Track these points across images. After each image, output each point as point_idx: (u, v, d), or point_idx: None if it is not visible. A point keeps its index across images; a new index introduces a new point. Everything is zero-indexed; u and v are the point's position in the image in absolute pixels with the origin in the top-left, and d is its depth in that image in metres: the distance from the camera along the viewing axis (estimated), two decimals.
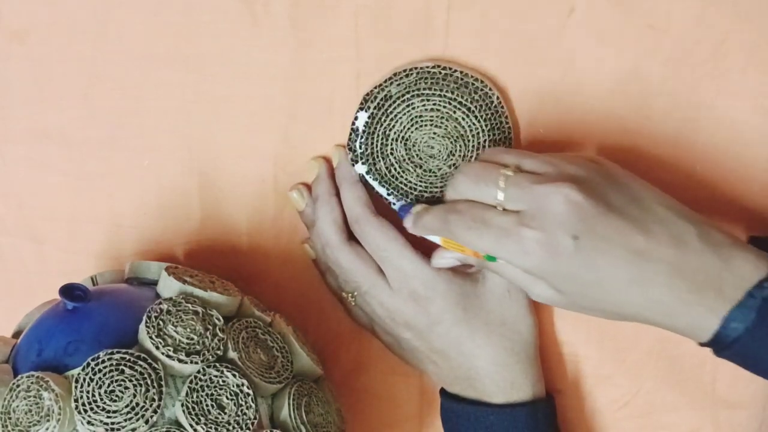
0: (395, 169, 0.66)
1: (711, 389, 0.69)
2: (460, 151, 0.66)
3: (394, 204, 0.67)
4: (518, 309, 0.65)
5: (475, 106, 0.65)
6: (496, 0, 0.65)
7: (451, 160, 0.66)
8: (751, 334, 0.53)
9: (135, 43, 0.67)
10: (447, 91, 0.65)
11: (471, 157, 0.65)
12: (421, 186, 0.66)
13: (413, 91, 0.65)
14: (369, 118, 0.66)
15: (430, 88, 0.65)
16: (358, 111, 0.66)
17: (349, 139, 0.66)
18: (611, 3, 0.64)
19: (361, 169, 0.66)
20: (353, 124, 0.66)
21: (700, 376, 0.69)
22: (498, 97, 0.65)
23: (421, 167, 0.66)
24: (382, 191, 0.66)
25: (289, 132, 0.68)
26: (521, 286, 0.58)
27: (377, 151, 0.66)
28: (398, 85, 0.65)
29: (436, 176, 0.66)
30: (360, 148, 0.66)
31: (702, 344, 0.56)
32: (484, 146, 0.65)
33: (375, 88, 0.65)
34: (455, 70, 0.65)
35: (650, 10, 0.64)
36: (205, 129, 0.68)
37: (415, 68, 0.65)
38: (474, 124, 0.65)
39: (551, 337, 0.69)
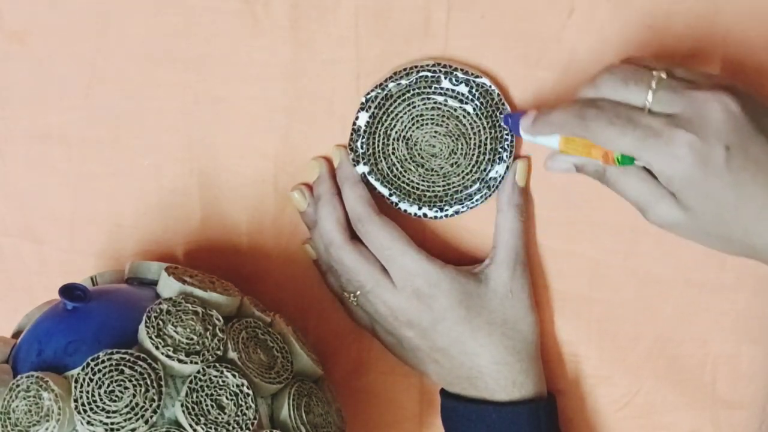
0: (397, 168, 0.66)
1: (711, 389, 0.69)
2: (461, 149, 0.66)
3: (396, 204, 0.67)
4: (520, 309, 0.65)
5: (476, 104, 0.65)
6: (496, 0, 0.65)
7: (453, 158, 0.66)
8: None
9: (135, 43, 0.67)
10: (448, 90, 0.65)
11: (473, 155, 0.66)
12: (423, 185, 0.66)
13: (414, 90, 0.65)
14: (370, 117, 0.66)
15: (430, 87, 0.65)
16: (358, 111, 0.66)
17: (351, 139, 0.66)
18: (611, 3, 0.64)
19: (362, 169, 0.66)
20: (354, 124, 0.66)
21: (700, 376, 0.69)
22: (499, 94, 0.65)
23: (422, 166, 0.66)
24: (384, 191, 0.66)
25: (289, 132, 0.68)
26: (642, 203, 0.56)
27: (379, 151, 0.66)
28: (398, 84, 0.65)
29: (438, 175, 0.66)
30: (361, 148, 0.66)
31: None
32: (485, 144, 0.65)
33: (375, 87, 0.65)
34: (455, 68, 0.65)
35: (650, 10, 0.64)
36: (205, 129, 0.68)
37: (416, 67, 0.65)
38: (475, 122, 0.65)
39: (551, 337, 0.70)
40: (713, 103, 0.53)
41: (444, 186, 0.66)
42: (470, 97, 0.65)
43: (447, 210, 0.67)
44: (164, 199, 0.70)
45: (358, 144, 0.66)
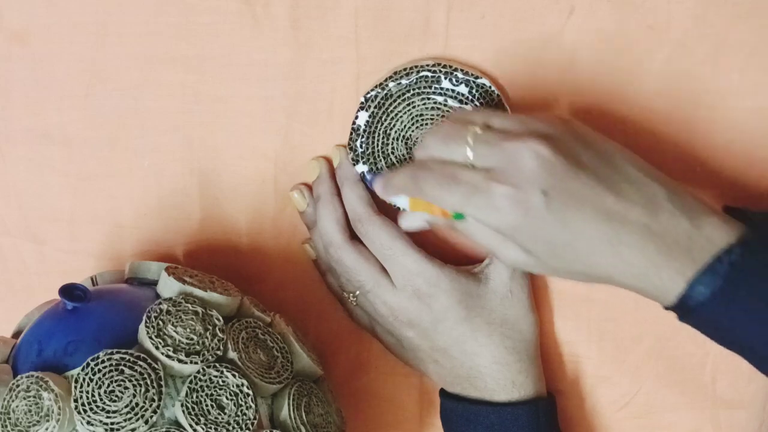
0: (396, 168, 0.66)
1: (711, 389, 0.69)
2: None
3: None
4: (520, 309, 0.65)
5: (476, 105, 0.65)
6: (496, 0, 0.65)
7: None
8: (716, 300, 0.52)
9: (135, 43, 0.67)
10: (448, 90, 0.65)
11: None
12: None
13: (414, 90, 0.65)
14: (370, 117, 0.66)
15: (430, 87, 0.65)
16: (358, 110, 0.66)
17: (350, 139, 0.66)
18: (611, 3, 0.64)
19: (361, 168, 0.66)
20: (354, 123, 0.66)
21: (700, 376, 0.69)
22: (499, 95, 0.65)
23: None
24: None
25: (289, 132, 0.68)
26: (491, 248, 0.57)
27: (378, 151, 0.66)
28: (398, 84, 0.65)
29: None
30: (361, 147, 0.66)
31: (667, 308, 0.55)
32: None
33: (375, 87, 0.65)
34: (456, 68, 0.65)
35: (650, 10, 0.64)
36: (205, 129, 0.68)
37: (416, 67, 0.65)
38: None
39: (551, 337, 0.70)
40: (524, 152, 0.54)
41: None
42: (470, 97, 0.65)
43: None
44: (164, 199, 0.70)
45: (358, 143, 0.66)
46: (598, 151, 0.55)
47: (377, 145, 0.66)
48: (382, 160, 0.66)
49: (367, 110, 0.66)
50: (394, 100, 0.65)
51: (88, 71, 0.68)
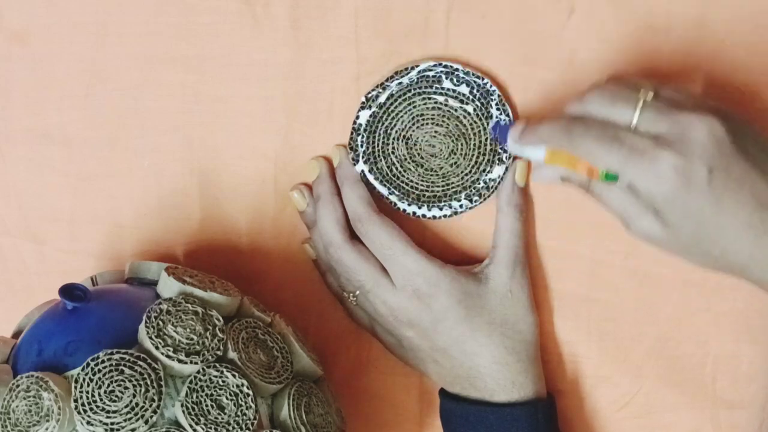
0: (396, 168, 0.66)
1: (711, 389, 0.69)
2: (461, 149, 0.66)
3: (395, 204, 0.67)
4: (520, 309, 0.65)
5: (477, 105, 0.65)
6: (496, 0, 0.65)
7: (453, 158, 0.66)
8: None
9: (135, 43, 0.67)
10: (449, 90, 0.65)
11: (472, 155, 0.66)
12: (422, 185, 0.66)
13: (415, 89, 0.65)
14: (370, 117, 0.66)
15: (431, 86, 0.65)
16: (359, 110, 0.66)
17: (351, 139, 0.66)
18: (611, 3, 0.64)
19: (362, 167, 0.66)
20: (354, 123, 0.66)
21: (700, 376, 0.69)
22: (500, 95, 0.65)
23: (422, 166, 0.66)
24: (384, 191, 0.66)
25: (289, 132, 0.68)
26: (623, 216, 0.57)
27: (378, 151, 0.66)
28: (399, 83, 0.65)
29: (437, 175, 0.66)
30: (361, 147, 0.66)
31: None
32: (485, 145, 0.65)
33: (376, 87, 0.65)
34: (456, 68, 0.65)
35: (650, 10, 0.64)
36: (205, 129, 0.68)
37: (417, 66, 0.65)
38: (475, 122, 0.65)
39: (551, 337, 0.70)
40: (698, 125, 0.54)
41: (443, 186, 0.66)
42: (471, 97, 0.65)
43: (446, 210, 0.67)
44: (164, 199, 0.70)
45: (358, 143, 0.66)
46: (757, 139, 0.56)
47: (378, 145, 0.66)
48: (383, 160, 0.66)
49: (367, 110, 0.66)
50: (395, 100, 0.65)
51: (88, 71, 0.68)
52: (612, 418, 0.71)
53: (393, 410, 0.72)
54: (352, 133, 0.66)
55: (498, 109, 0.65)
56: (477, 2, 0.65)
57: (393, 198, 0.67)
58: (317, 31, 0.66)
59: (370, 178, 0.66)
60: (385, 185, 0.66)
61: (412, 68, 0.65)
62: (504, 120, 0.65)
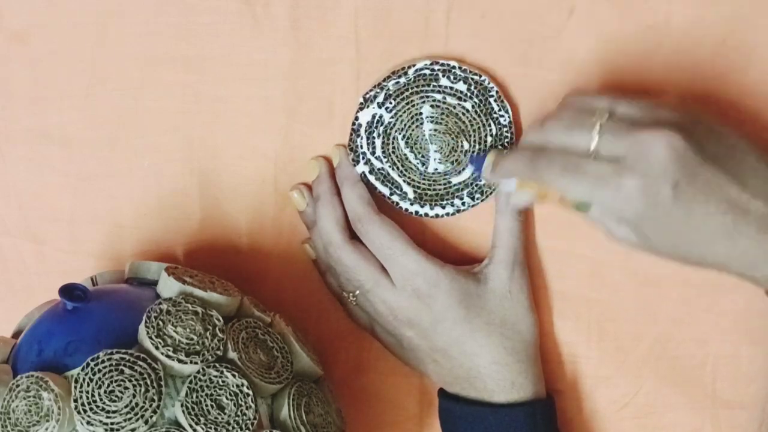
0: (398, 168, 0.66)
1: (711, 389, 0.69)
2: (461, 147, 0.66)
3: (397, 204, 0.67)
4: (519, 309, 0.65)
5: (475, 101, 0.65)
6: (496, 0, 0.65)
7: (453, 156, 0.66)
8: None
9: (135, 43, 0.67)
10: (446, 88, 0.65)
11: (474, 152, 0.66)
12: (424, 184, 0.66)
13: (413, 88, 0.65)
14: (369, 117, 0.66)
15: (428, 85, 0.65)
16: (358, 111, 0.66)
17: (350, 139, 0.66)
18: (611, 3, 0.64)
19: (362, 168, 0.66)
20: (354, 124, 0.66)
21: (700, 376, 0.69)
22: (497, 92, 0.65)
23: (423, 165, 0.66)
24: (385, 191, 0.66)
25: (289, 132, 0.68)
26: (601, 227, 0.57)
27: (379, 151, 0.66)
28: (397, 83, 0.65)
29: (439, 174, 0.66)
30: (361, 148, 0.66)
31: None
32: (485, 141, 0.65)
33: (374, 87, 0.65)
34: (453, 66, 0.65)
35: (650, 10, 0.64)
36: (205, 129, 0.68)
37: (413, 66, 0.65)
38: (474, 119, 0.65)
39: (551, 337, 0.69)
40: (656, 142, 0.54)
41: (445, 184, 0.66)
42: (469, 94, 0.65)
43: (449, 208, 0.67)
44: (164, 199, 0.70)
45: (358, 144, 0.66)
46: (723, 140, 0.56)
47: (378, 145, 0.66)
48: (384, 159, 0.66)
49: (366, 110, 0.66)
50: (393, 99, 0.65)
51: (88, 71, 0.68)
52: (612, 418, 0.71)
53: (393, 410, 0.72)
54: (351, 134, 0.66)
55: (497, 105, 0.65)
56: (477, 2, 0.65)
57: (395, 198, 0.67)
58: (317, 31, 0.66)
59: (371, 178, 0.66)
60: (386, 185, 0.66)
61: (409, 67, 0.65)
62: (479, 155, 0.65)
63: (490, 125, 0.65)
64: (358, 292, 0.66)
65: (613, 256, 0.68)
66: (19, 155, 0.70)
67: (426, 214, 0.67)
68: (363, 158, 0.66)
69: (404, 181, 0.66)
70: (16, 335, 0.63)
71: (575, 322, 0.69)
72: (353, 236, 0.66)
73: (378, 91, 0.65)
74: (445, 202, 0.67)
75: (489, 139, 0.65)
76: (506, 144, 0.65)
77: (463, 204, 0.67)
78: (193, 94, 0.68)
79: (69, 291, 0.58)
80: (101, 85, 0.68)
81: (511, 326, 0.65)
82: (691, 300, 0.68)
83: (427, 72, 0.65)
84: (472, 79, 0.65)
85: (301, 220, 0.69)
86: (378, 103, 0.65)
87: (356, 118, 0.66)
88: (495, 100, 0.65)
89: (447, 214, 0.67)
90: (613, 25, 0.64)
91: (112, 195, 0.70)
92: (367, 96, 0.66)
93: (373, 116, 0.66)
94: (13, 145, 0.70)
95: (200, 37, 0.67)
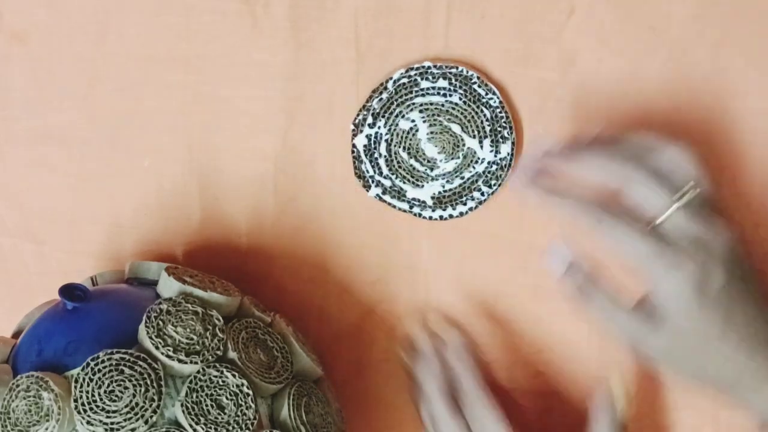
0: (409, 180, 0.66)
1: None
2: (463, 141, 0.66)
3: (420, 214, 0.67)
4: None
5: (461, 93, 0.65)
6: (496, 0, 0.65)
7: (458, 151, 0.66)
8: None
9: (135, 43, 0.68)
10: (428, 89, 0.65)
11: (476, 141, 0.66)
12: (439, 188, 0.67)
13: (396, 100, 0.66)
14: (365, 141, 0.66)
15: (410, 92, 0.65)
16: (352, 138, 0.66)
17: (354, 167, 0.67)
18: (611, 3, 0.64)
19: (375, 192, 0.67)
20: (353, 151, 0.66)
21: None
22: (478, 77, 0.65)
23: (432, 170, 0.66)
24: (404, 206, 0.67)
25: (289, 132, 0.68)
26: (633, 339, 0.59)
27: (385, 170, 0.66)
28: (379, 100, 0.65)
29: (450, 173, 0.66)
30: (367, 172, 0.66)
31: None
32: (484, 128, 0.65)
33: (360, 110, 0.66)
34: (428, 67, 0.65)
35: (650, 10, 0.64)
36: (205, 129, 0.68)
37: (391, 78, 0.65)
38: (466, 110, 0.66)
39: (551, 337, 0.69)
40: (723, 235, 0.56)
41: (460, 181, 0.66)
42: (452, 88, 0.65)
43: (470, 203, 0.66)
44: (164, 199, 0.70)
45: (363, 169, 0.66)
46: (746, 278, 0.57)
47: (382, 165, 0.66)
48: (393, 177, 0.66)
49: (360, 135, 0.66)
50: (382, 117, 0.66)
51: (88, 71, 0.68)
52: None
53: (393, 411, 0.72)
54: (354, 162, 0.67)
55: (483, 90, 0.65)
56: (477, 2, 0.65)
57: (416, 210, 0.67)
58: (317, 31, 0.66)
59: (387, 198, 0.67)
60: (404, 201, 0.67)
61: (387, 82, 0.65)
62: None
63: (482, 111, 0.65)
64: None
65: (614, 257, 0.68)
66: (19, 155, 0.70)
67: (450, 216, 0.67)
68: (373, 181, 0.67)
69: (419, 191, 0.67)
70: (16, 335, 0.63)
71: (575, 322, 0.69)
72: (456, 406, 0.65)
73: (365, 113, 0.66)
74: (465, 198, 0.67)
75: (486, 124, 0.65)
76: (506, 124, 0.65)
77: (483, 195, 0.67)
78: (193, 94, 0.68)
79: (69, 291, 0.58)
80: (101, 85, 0.68)
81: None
82: None
83: (405, 80, 0.65)
84: (450, 72, 0.65)
85: (300, 219, 0.69)
86: (369, 124, 0.66)
87: (353, 146, 0.66)
88: (479, 86, 0.65)
89: (471, 209, 0.67)
90: (613, 25, 0.64)
91: (112, 195, 0.70)
92: (356, 121, 0.66)
93: (368, 138, 0.66)
94: (13, 146, 0.70)
95: (200, 37, 0.67)
